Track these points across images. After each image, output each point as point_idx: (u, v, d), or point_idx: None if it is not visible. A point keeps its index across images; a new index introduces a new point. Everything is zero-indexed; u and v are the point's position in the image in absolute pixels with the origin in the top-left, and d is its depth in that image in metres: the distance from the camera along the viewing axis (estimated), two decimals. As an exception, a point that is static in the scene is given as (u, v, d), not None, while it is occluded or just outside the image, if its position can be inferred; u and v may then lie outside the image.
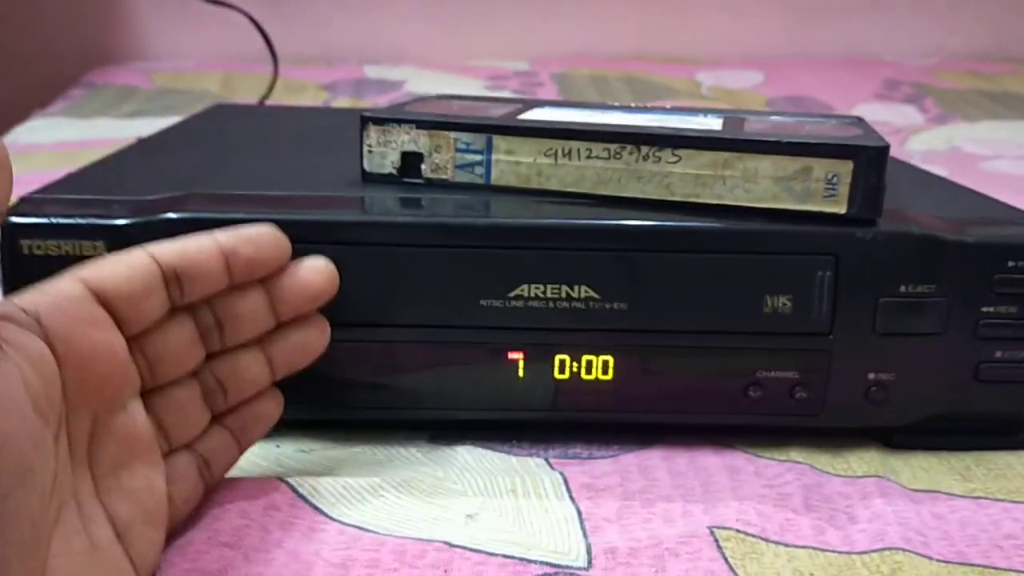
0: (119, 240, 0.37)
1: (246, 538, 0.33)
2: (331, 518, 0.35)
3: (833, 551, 0.34)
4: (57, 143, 0.96)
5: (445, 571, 0.32)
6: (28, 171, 0.84)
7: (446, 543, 0.34)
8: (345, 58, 1.39)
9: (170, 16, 1.40)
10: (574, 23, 1.45)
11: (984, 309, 0.39)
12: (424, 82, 1.24)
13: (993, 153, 0.98)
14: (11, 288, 0.37)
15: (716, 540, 0.34)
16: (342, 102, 1.17)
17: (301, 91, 1.20)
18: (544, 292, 0.38)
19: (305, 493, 0.36)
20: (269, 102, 1.07)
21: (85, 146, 0.93)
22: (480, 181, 0.41)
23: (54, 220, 0.37)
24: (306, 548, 0.33)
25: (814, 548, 0.34)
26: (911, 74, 1.34)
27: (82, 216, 0.37)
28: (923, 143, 1.03)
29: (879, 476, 0.39)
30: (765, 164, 0.38)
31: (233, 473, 0.38)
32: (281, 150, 0.52)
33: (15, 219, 0.37)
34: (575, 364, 0.40)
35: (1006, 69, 1.39)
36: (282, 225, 0.38)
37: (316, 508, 0.36)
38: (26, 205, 0.38)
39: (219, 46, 1.37)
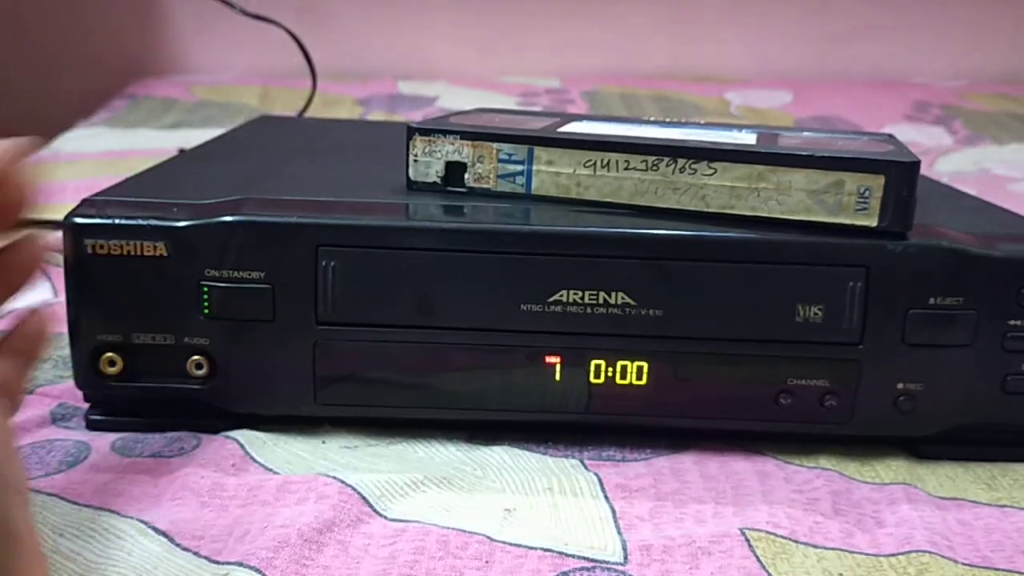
0: (179, 241, 0.39)
1: (297, 522, 0.35)
2: (376, 511, 0.36)
3: (861, 553, 0.35)
4: (100, 152, 0.99)
5: (487, 562, 0.33)
6: (73, 178, 0.86)
7: (487, 537, 0.35)
8: (379, 74, 1.42)
9: (209, 31, 1.43)
10: (605, 42, 1.47)
11: (1011, 322, 0.40)
12: (456, 98, 1.26)
13: (1022, 175, 0.99)
14: (76, 286, 0.39)
15: (747, 540, 0.35)
16: (376, 116, 1.19)
17: (337, 105, 1.22)
18: (582, 297, 0.40)
19: (353, 484, 0.38)
20: (307, 115, 1.09)
21: (127, 155, 0.96)
22: (521, 191, 0.43)
23: (117, 221, 0.39)
24: (356, 542, 0.34)
25: (843, 550, 0.35)
26: (941, 96, 1.35)
27: (143, 218, 0.39)
28: (952, 164, 1.03)
29: (906, 484, 0.40)
30: (798, 177, 0.39)
31: (283, 469, 0.39)
32: (327, 159, 0.54)
33: (79, 219, 0.39)
34: (610, 369, 0.41)
35: (1036, 92, 1.40)
36: (332, 229, 0.39)
37: (364, 499, 0.37)
38: (89, 207, 0.40)
39: (257, 61, 1.40)
